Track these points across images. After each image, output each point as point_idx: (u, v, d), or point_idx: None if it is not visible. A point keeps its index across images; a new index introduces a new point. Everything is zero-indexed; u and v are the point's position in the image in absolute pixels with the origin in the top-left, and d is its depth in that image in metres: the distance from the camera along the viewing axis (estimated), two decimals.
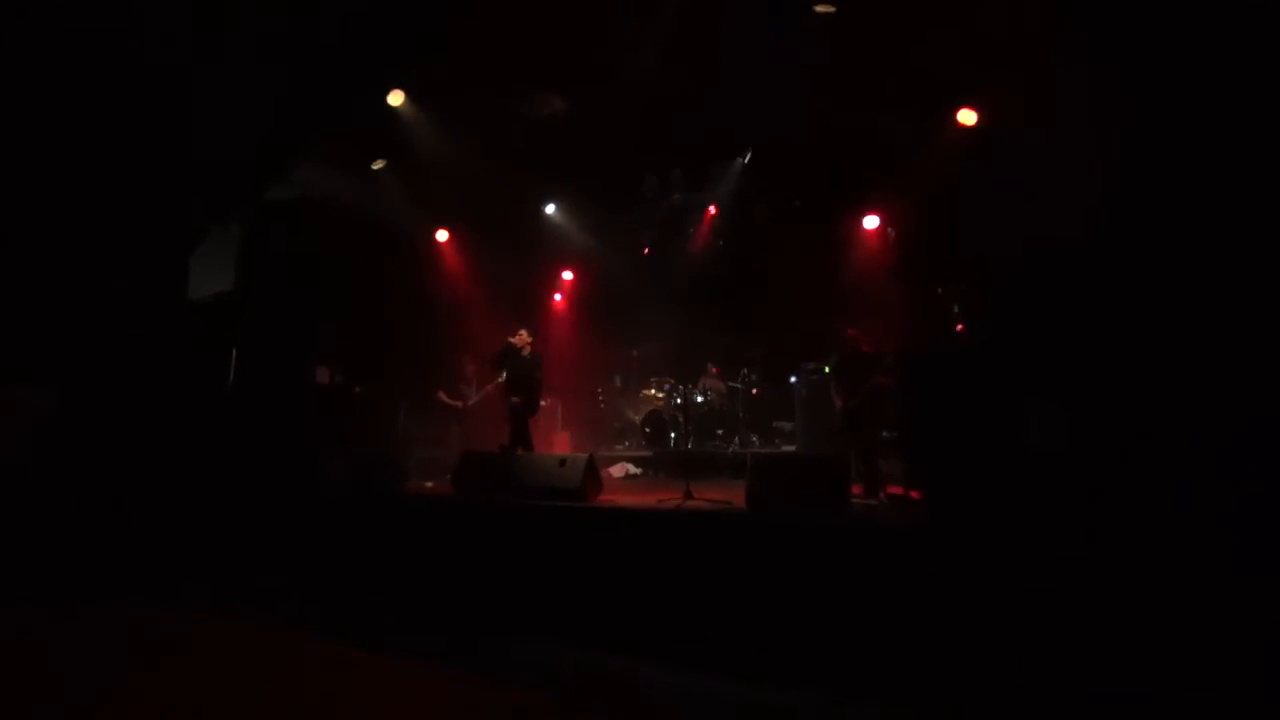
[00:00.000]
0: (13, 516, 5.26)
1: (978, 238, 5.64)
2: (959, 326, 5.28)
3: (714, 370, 8.56)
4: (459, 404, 7.37)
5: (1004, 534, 3.12)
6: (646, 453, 8.20)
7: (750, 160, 8.50)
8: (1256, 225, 3.19)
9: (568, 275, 10.39)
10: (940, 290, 5.49)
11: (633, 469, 7.79)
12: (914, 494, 4.46)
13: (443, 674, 3.36)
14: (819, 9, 5.65)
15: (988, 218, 5.44)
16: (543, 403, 7.10)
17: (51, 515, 5.40)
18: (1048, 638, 2.77)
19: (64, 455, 5.77)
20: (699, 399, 8.41)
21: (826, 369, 6.47)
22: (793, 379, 7.30)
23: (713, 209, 9.20)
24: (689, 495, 4.66)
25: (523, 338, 6.64)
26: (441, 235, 9.24)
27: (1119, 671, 2.62)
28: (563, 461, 5.08)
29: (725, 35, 6.05)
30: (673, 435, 8.35)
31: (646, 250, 9.65)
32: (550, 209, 9.63)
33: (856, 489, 4.60)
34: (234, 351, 6.68)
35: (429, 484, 6.70)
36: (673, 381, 8.73)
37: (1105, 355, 3.32)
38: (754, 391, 8.40)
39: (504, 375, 6.69)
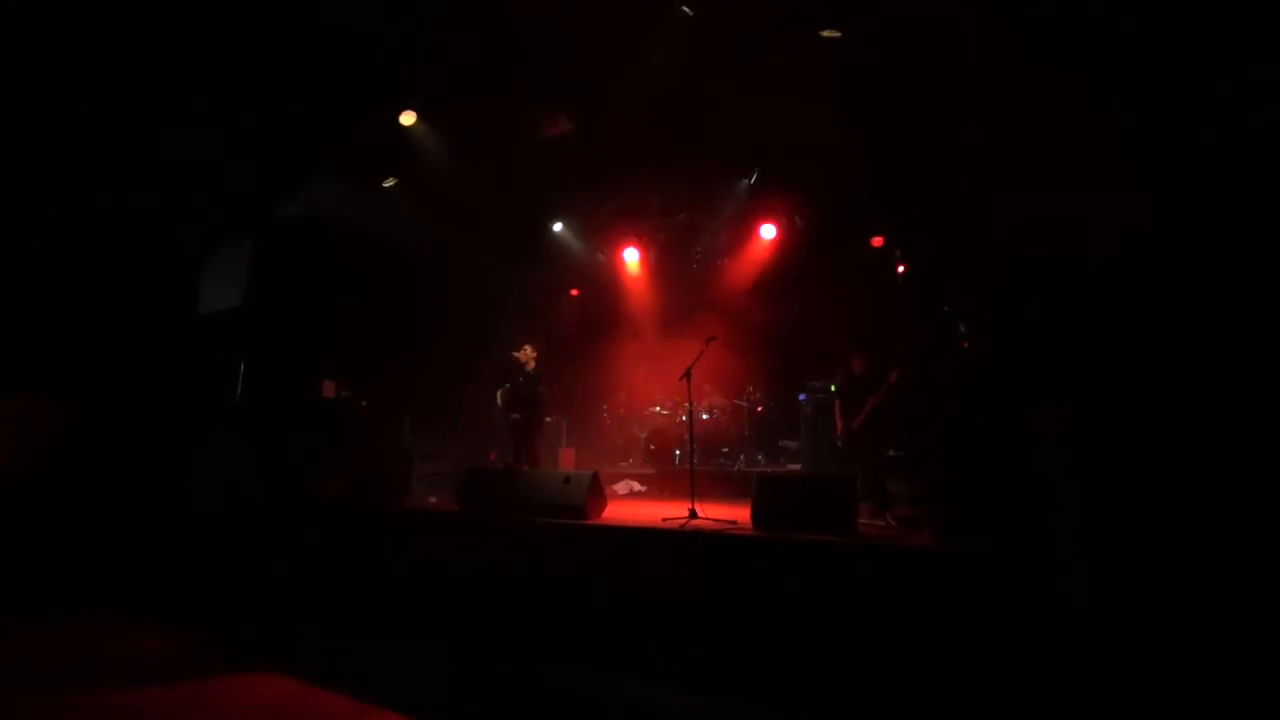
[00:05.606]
0: (16, 524, 5.28)
1: (983, 256, 5.64)
2: (965, 345, 5.26)
3: (708, 389, 8.55)
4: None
5: (1012, 554, 3.09)
6: (650, 470, 8.17)
7: (755, 180, 8.57)
8: (1266, 232, 3.16)
9: (574, 292, 10.48)
10: (946, 308, 5.48)
11: (637, 486, 7.74)
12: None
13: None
14: (825, 34, 5.71)
15: (992, 235, 5.44)
16: (548, 419, 7.01)
17: (54, 524, 5.42)
18: (1056, 659, 2.72)
19: (69, 465, 5.80)
20: (704, 416, 8.39)
21: (832, 388, 6.46)
22: (799, 397, 7.28)
23: (719, 227, 9.27)
24: (694, 514, 4.64)
25: (526, 354, 6.63)
26: (451, 252, 9.30)
27: (1129, 692, 2.57)
28: (567, 479, 5.06)
29: (732, 58, 6.14)
30: (677, 453, 8.32)
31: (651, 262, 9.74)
32: (558, 227, 9.72)
33: (863, 509, 4.56)
34: (242, 365, 6.74)
35: (432, 499, 6.68)
36: (677, 399, 8.73)
37: (1111, 372, 3.29)
38: (759, 409, 8.38)
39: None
